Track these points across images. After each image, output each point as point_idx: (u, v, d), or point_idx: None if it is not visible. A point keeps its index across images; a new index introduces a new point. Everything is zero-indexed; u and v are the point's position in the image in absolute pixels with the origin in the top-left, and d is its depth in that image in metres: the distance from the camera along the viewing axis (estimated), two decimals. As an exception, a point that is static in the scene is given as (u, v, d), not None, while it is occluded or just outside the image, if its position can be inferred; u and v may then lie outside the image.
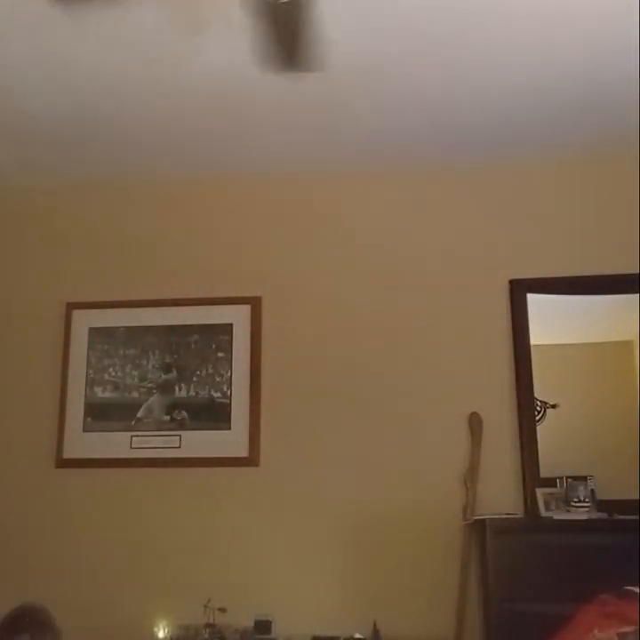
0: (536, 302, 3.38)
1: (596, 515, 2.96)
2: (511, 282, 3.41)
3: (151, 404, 3.49)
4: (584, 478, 3.04)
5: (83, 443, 3.48)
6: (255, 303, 3.52)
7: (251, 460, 3.36)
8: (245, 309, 3.53)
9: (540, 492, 3.10)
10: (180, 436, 3.43)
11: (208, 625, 3.03)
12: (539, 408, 3.28)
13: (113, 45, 2.69)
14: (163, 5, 2.46)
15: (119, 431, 3.47)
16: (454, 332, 3.41)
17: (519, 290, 3.40)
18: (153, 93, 3.00)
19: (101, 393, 3.53)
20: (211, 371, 3.50)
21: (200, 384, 3.49)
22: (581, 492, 3.00)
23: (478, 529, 3.07)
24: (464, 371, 3.35)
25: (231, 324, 3.53)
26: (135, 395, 3.51)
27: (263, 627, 3.06)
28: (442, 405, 3.32)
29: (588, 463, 3.13)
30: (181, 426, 3.45)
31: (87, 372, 3.56)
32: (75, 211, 3.77)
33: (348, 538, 3.27)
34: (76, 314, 3.61)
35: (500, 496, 3.19)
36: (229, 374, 3.48)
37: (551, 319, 3.41)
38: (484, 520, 3.00)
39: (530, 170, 3.52)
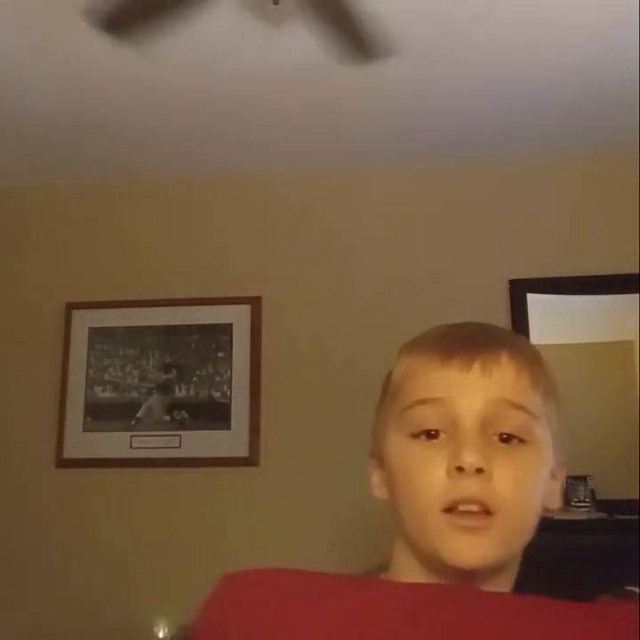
0: (536, 302, 3.38)
1: (595, 515, 2.95)
2: (511, 282, 3.41)
3: (151, 404, 3.49)
4: (584, 478, 3.03)
5: (83, 443, 3.47)
6: (255, 303, 3.52)
7: (251, 460, 3.36)
8: (245, 309, 3.52)
9: (540, 492, 3.09)
10: (179, 436, 3.43)
11: (208, 625, 3.02)
12: (539, 408, 3.27)
13: (114, 46, 2.69)
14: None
15: (119, 431, 3.46)
16: (454, 332, 3.40)
17: (519, 290, 3.39)
18: (154, 94, 3.00)
19: (101, 393, 3.53)
20: (211, 371, 3.49)
21: (200, 384, 3.49)
22: (581, 491, 2.99)
23: (478, 529, 3.06)
24: (464, 371, 3.34)
25: (231, 324, 3.53)
26: (135, 395, 3.51)
27: (263, 627, 3.06)
28: (442, 405, 3.32)
29: (588, 463, 3.13)
30: (181, 426, 3.45)
31: (87, 372, 3.55)
32: (74, 211, 3.77)
33: (349, 538, 3.26)
34: (76, 314, 3.61)
35: (500, 496, 3.18)
36: (229, 374, 3.47)
37: (551, 319, 3.40)
38: (484, 520, 2.99)
39: (530, 169, 3.51)
